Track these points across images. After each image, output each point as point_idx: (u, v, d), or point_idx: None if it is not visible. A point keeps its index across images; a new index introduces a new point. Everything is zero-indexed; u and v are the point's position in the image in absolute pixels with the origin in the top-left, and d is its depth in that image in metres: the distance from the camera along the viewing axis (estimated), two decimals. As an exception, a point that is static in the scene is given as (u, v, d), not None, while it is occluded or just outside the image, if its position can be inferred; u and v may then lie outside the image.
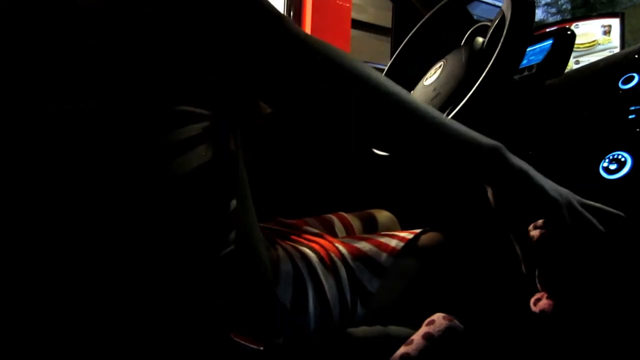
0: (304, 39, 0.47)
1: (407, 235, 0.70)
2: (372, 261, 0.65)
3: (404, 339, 0.54)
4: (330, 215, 0.89)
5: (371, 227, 0.92)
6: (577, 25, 1.72)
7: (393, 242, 0.68)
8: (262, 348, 0.49)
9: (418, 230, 0.72)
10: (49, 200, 0.40)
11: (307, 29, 3.12)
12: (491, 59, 0.63)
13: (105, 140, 0.41)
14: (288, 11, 3.16)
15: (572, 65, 1.62)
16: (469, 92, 0.64)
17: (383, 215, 0.95)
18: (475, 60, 0.73)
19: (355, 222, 0.90)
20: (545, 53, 0.82)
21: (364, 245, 0.67)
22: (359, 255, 0.65)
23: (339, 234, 0.86)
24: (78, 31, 0.40)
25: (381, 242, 0.68)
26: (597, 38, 1.67)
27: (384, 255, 0.66)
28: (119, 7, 0.41)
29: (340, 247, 0.66)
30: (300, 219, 0.84)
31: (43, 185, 0.40)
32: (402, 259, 0.67)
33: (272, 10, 0.47)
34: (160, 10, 0.42)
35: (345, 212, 0.92)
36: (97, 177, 0.41)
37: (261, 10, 0.46)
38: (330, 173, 1.11)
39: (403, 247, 0.67)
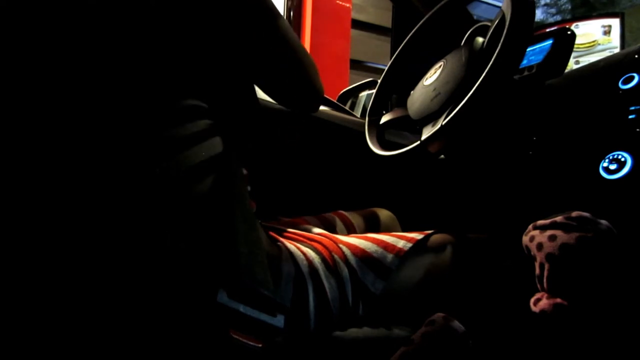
0: (290, 43, 0.54)
1: (416, 236, 0.69)
2: (377, 263, 0.65)
3: (404, 339, 0.54)
4: (331, 214, 0.89)
5: (372, 226, 0.91)
6: (577, 25, 1.72)
7: (400, 243, 0.67)
8: (261, 346, 0.49)
9: (426, 232, 0.71)
10: (51, 198, 0.40)
11: (307, 29, 3.12)
12: (491, 59, 0.63)
13: (110, 136, 0.41)
14: (288, 11, 3.16)
15: (572, 65, 1.62)
16: (469, 92, 0.64)
17: (383, 214, 0.95)
18: (475, 60, 0.73)
19: (356, 220, 0.90)
20: (545, 53, 0.82)
21: (369, 246, 0.67)
22: (363, 257, 0.65)
23: (340, 233, 0.86)
24: (82, 27, 0.40)
25: (388, 243, 0.67)
26: (597, 38, 1.67)
27: (389, 256, 0.65)
28: (123, 2, 0.41)
29: (344, 248, 0.66)
30: (301, 217, 0.84)
31: (46, 183, 0.40)
32: (410, 261, 0.66)
33: (271, 7, 0.50)
34: (164, 3, 0.42)
35: (346, 210, 0.92)
36: (102, 173, 0.41)
37: (260, 6, 0.49)
38: (330, 172, 1.11)
39: (411, 249, 0.67)
